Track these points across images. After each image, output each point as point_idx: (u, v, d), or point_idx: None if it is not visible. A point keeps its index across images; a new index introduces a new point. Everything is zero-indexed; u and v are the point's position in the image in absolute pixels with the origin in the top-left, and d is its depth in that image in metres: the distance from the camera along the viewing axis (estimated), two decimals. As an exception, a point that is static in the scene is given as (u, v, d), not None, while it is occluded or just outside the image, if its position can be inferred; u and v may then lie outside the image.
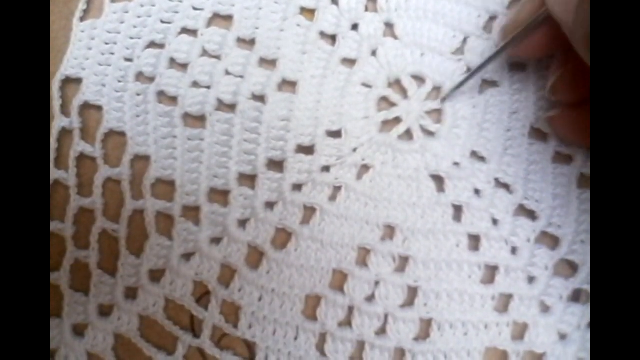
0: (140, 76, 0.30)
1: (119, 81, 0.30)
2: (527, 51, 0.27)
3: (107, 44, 0.30)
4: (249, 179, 0.29)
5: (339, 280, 0.29)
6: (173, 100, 0.29)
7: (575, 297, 0.29)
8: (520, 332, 0.29)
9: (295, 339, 0.28)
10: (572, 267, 0.29)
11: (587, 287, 0.28)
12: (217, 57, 0.30)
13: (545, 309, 0.29)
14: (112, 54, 0.30)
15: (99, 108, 0.29)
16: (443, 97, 0.29)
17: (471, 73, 0.28)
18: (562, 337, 0.29)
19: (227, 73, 0.29)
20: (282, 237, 0.29)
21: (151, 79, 0.30)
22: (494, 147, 0.29)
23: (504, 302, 0.29)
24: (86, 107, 0.30)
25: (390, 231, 0.29)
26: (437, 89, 0.29)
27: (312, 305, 0.29)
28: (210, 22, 0.30)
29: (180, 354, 0.29)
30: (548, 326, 0.28)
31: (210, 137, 0.29)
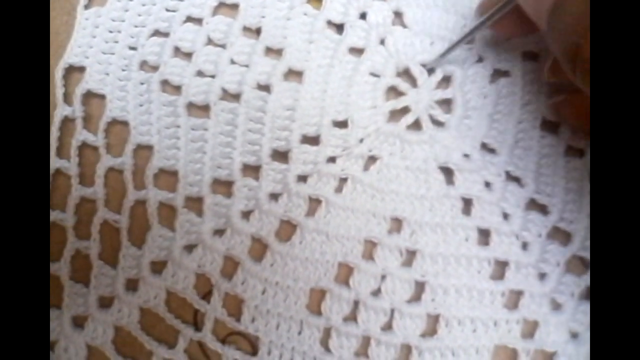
0: (144, 65, 0.29)
1: (123, 70, 0.29)
2: (504, 29, 0.26)
3: (111, 32, 0.29)
4: (253, 170, 0.28)
5: (345, 274, 0.28)
6: (177, 89, 0.29)
7: (587, 294, 0.28)
8: (530, 330, 0.28)
9: (299, 333, 0.28)
10: (584, 264, 0.28)
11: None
12: (222, 46, 0.29)
13: (556, 306, 0.28)
14: (116, 42, 0.29)
15: (102, 97, 0.29)
16: (429, 65, 0.28)
17: (448, 48, 0.27)
18: (574, 336, 0.28)
19: (232, 62, 0.29)
20: (287, 229, 0.28)
21: (155, 68, 0.29)
22: (504, 139, 0.28)
23: (514, 299, 0.28)
24: (89, 95, 0.29)
25: (397, 224, 0.28)
26: (447, 78, 0.29)
27: (316, 299, 0.28)
28: (215, 11, 0.29)
29: (181, 348, 0.28)
30: (559, 324, 0.28)
31: (214, 127, 0.29)
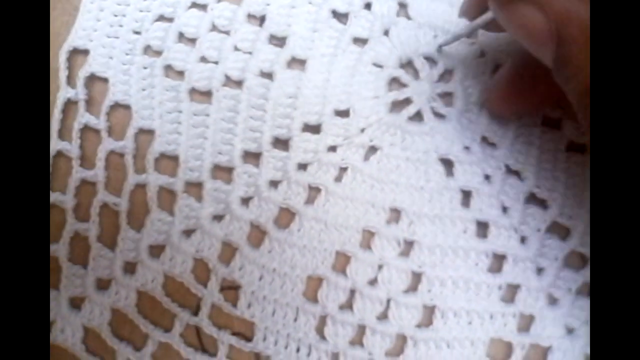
0: (148, 49, 0.29)
1: (127, 54, 0.29)
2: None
3: (115, 16, 0.29)
4: (253, 157, 0.29)
5: (342, 263, 0.28)
6: (180, 74, 0.29)
7: (585, 290, 0.28)
8: (526, 324, 0.28)
9: (295, 320, 0.28)
10: (582, 259, 0.28)
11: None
12: (226, 33, 0.29)
13: (552, 301, 0.28)
14: (121, 26, 0.29)
15: (105, 80, 0.29)
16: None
17: (449, 39, 0.27)
18: (569, 331, 0.28)
19: (236, 49, 0.29)
20: (285, 217, 0.28)
21: (159, 53, 0.29)
22: (505, 133, 0.28)
23: (511, 293, 0.28)
24: (92, 78, 0.29)
25: (396, 214, 0.28)
26: (449, 71, 0.29)
27: (313, 287, 0.28)
28: (221, -3, 0.29)
29: (177, 332, 0.28)
30: (555, 319, 0.28)
31: (216, 113, 0.29)
